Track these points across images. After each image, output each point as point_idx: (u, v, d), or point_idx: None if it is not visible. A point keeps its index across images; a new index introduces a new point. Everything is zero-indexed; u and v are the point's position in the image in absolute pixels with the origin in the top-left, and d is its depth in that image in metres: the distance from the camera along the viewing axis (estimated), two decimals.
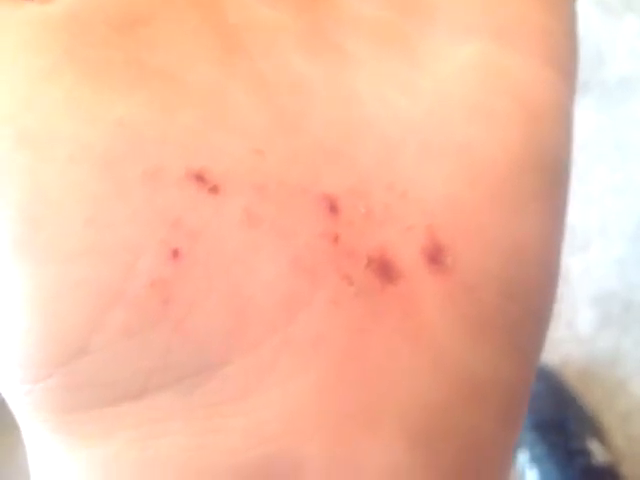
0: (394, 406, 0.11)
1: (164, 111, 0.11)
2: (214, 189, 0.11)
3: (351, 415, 0.11)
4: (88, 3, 0.12)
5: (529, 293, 0.13)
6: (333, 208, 0.12)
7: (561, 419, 0.69)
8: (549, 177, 0.13)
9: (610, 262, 0.77)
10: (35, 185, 0.11)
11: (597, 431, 0.69)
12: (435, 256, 0.12)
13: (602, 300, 0.75)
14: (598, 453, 0.66)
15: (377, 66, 0.13)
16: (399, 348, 0.11)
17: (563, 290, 0.75)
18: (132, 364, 0.11)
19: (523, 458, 0.68)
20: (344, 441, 0.11)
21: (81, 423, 0.11)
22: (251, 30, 0.13)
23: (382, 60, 0.13)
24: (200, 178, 0.11)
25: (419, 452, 0.11)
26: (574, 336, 0.75)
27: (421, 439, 0.11)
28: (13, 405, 0.11)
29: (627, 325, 0.74)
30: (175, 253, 0.11)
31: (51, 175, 0.11)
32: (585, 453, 0.65)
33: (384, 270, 0.12)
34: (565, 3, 0.15)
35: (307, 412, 0.11)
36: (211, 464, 0.11)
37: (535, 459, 0.67)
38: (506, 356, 0.12)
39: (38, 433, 0.11)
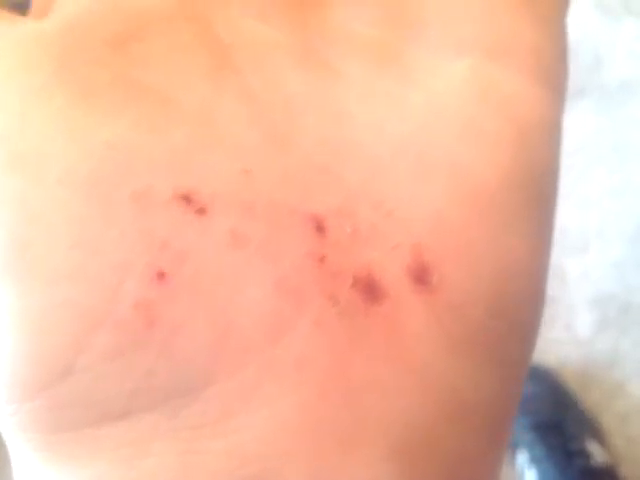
0: (377, 426, 0.11)
1: (153, 132, 0.11)
2: (201, 210, 0.11)
3: (333, 435, 0.11)
4: (82, 19, 0.12)
5: (515, 310, 0.13)
6: (320, 228, 0.12)
7: (560, 420, 0.69)
8: (537, 195, 0.13)
9: (608, 264, 0.77)
10: (23, 207, 0.11)
11: (596, 432, 0.70)
12: (420, 275, 0.12)
13: (600, 302, 0.75)
14: (597, 454, 0.66)
15: (368, 83, 0.13)
16: (382, 368, 0.11)
17: (561, 292, 0.75)
18: (116, 385, 0.11)
19: (522, 459, 0.68)
20: (326, 461, 0.11)
21: (66, 443, 0.11)
22: (242, 47, 0.13)
23: (373, 77, 0.13)
24: (188, 199, 0.11)
25: (402, 472, 0.11)
26: (572, 338, 0.75)
27: (404, 459, 0.11)
28: (0, 424, 0.11)
29: (625, 327, 0.75)
30: (161, 275, 0.11)
31: (39, 197, 0.11)
32: (584, 454, 0.66)
33: (369, 290, 0.12)
34: (556, 20, 0.15)
35: (289, 433, 0.11)
36: None
37: (534, 460, 0.67)
38: (491, 373, 0.12)
39: (24, 452, 0.11)
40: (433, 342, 0.12)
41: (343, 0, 0.14)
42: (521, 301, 0.13)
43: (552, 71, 0.14)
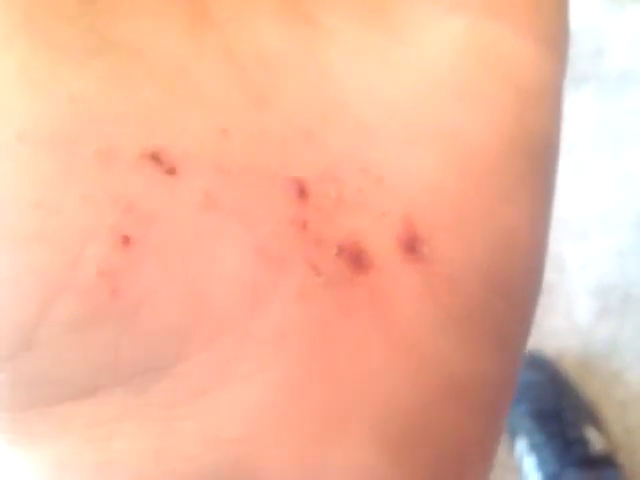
0: (365, 407, 0.10)
1: (121, 86, 0.11)
2: (171, 170, 0.10)
3: (318, 417, 0.10)
4: None
5: (514, 285, 0.12)
6: (302, 193, 0.11)
7: (559, 408, 0.70)
8: (538, 163, 0.12)
9: (608, 253, 0.77)
10: None
11: (594, 420, 0.70)
12: (412, 245, 0.11)
13: (600, 290, 0.75)
14: (595, 441, 0.66)
15: (355, 40, 0.12)
16: (370, 343, 0.11)
17: (561, 281, 0.75)
18: (80, 360, 0.10)
19: (521, 446, 0.69)
20: (307, 446, 0.10)
21: (31, 422, 0.10)
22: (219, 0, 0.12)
23: (361, 34, 0.12)
24: (156, 159, 0.10)
25: (393, 457, 0.11)
26: (572, 326, 0.75)
27: (395, 443, 0.11)
28: None
29: (625, 316, 0.75)
30: (126, 240, 0.10)
31: None
32: (582, 441, 0.66)
33: (355, 259, 0.11)
34: None
35: (269, 414, 0.10)
36: (166, 470, 0.10)
37: (533, 447, 0.68)
38: (490, 353, 0.12)
39: None
40: (425, 317, 0.11)
41: None
42: (519, 275, 0.12)
43: (552, 30, 0.13)
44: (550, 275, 0.75)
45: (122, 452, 0.10)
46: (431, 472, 0.11)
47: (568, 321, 0.75)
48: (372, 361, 0.11)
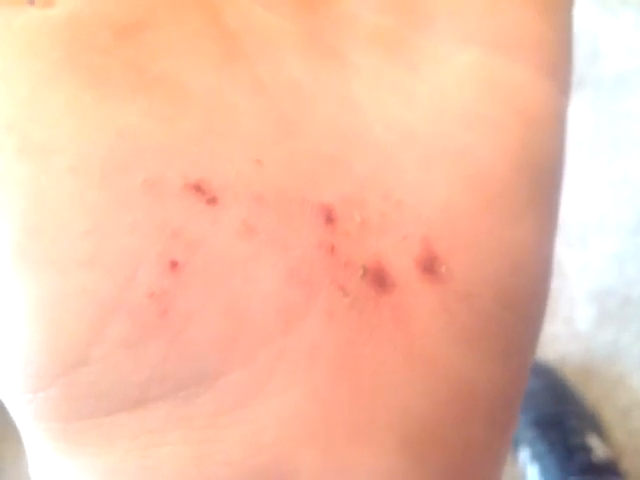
0: (387, 416, 0.11)
1: (164, 120, 0.11)
2: (212, 200, 0.11)
3: (345, 423, 0.11)
4: (89, 8, 0.12)
5: (523, 300, 0.13)
6: (329, 218, 0.12)
7: (560, 415, 0.69)
8: (544, 184, 0.13)
9: (607, 257, 0.77)
10: (35, 195, 0.11)
11: (597, 427, 0.70)
12: (429, 266, 0.12)
13: (600, 295, 0.75)
14: (598, 449, 0.66)
15: (375, 72, 0.13)
16: (392, 358, 0.12)
17: (561, 286, 0.75)
18: (130, 375, 0.11)
19: (524, 455, 0.69)
20: (337, 449, 0.11)
21: (82, 432, 0.11)
22: (251, 35, 0.13)
23: (380, 66, 0.14)
24: (199, 189, 0.11)
25: (412, 459, 0.11)
26: (572, 332, 0.75)
27: (414, 447, 0.11)
28: (15, 414, 0.11)
29: (625, 320, 0.75)
30: (173, 264, 0.11)
31: (51, 185, 0.11)
32: (585, 449, 0.66)
33: (379, 280, 0.12)
34: (561, 11, 0.15)
35: (302, 421, 0.11)
36: (209, 474, 0.11)
37: (536, 456, 0.67)
38: (500, 363, 0.12)
39: (39, 441, 0.11)
40: (441, 332, 0.12)
41: None
42: (529, 291, 0.13)
43: (556, 62, 0.14)
44: None
45: (166, 458, 0.11)
46: (446, 470, 0.12)
47: (568, 327, 0.75)
48: (393, 373, 0.12)
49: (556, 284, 0.75)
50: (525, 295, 0.13)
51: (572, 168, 0.79)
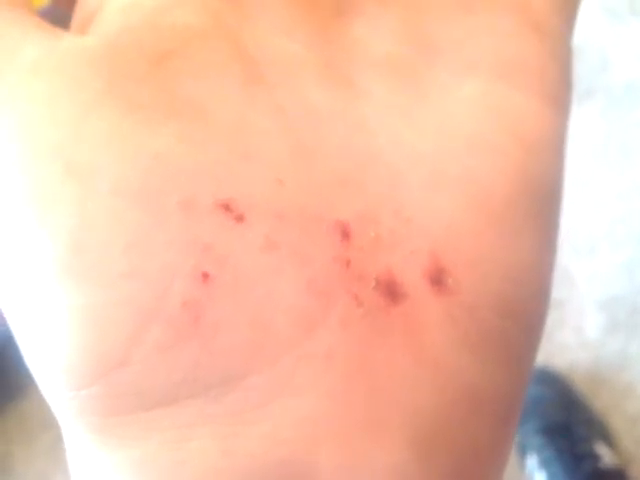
0: (398, 416, 0.12)
1: (194, 143, 0.12)
2: (239, 218, 0.12)
3: (359, 423, 0.12)
4: (123, 36, 0.13)
5: (524, 311, 0.14)
6: (345, 234, 0.13)
7: (569, 423, 0.69)
8: (543, 204, 0.14)
9: (616, 266, 0.77)
10: (81, 215, 0.12)
11: (605, 435, 0.70)
12: (437, 278, 0.13)
13: (609, 304, 0.75)
14: (606, 456, 0.66)
15: (386, 99, 0.14)
16: (403, 363, 0.12)
17: (570, 295, 0.76)
18: (166, 375, 0.12)
19: (532, 462, 0.68)
20: (352, 447, 0.12)
21: (119, 426, 0.12)
22: (271, 63, 0.14)
23: (392, 94, 0.14)
24: (227, 207, 0.12)
25: (422, 458, 0.12)
26: (581, 341, 0.75)
27: (424, 446, 0.12)
28: (56, 409, 0.12)
29: (634, 329, 0.75)
30: (205, 276, 0.12)
31: (95, 206, 0.12)
32: (593, 456, 0.66)
33: (390, 291, 0.13)
34: (561, 40, 0.16)
35: (319, 420, 0.12)
36: (234, 466, 0.12)
37: (543, 463, 0.67)
38: (502, 370, 0.13)
39: (79, 434, 0.12)
40: (448, 339, 0.13)
41: (363, 17, 0.15)
42: (529, 302, 0.14)
43: (556, 89, 0.15)
44: (558, 290, 0.75)
45: (196, 451, 0.12)
46: (453, 468, 0.13)
47: (577, 335, 0.75)
48: (404, 376, 0.12)
49: (565, 293, 0.75)
50: (525, 306, 0.14)
51: (582, 177, 0.79)
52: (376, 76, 0.15)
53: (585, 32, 0.84)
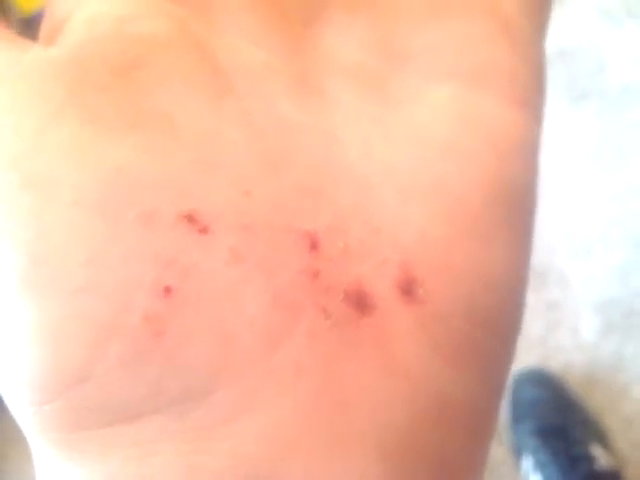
0: (367, 429, 0.12)
1: (156, 155, 0.12)
2: (204, 229, 0.12)
3: (326, 437, 0.12)
4: (88, 47, 0.13)
5: (497, 320, 0.13)
6: (314, 245, 0.12)
7: (564, 425, 0.69)
8: (516, 211, 0.14)
9: (612, 268, 0.77)
10: (39, 226, 0.11)
11: (600, 436, 0.70)
12: (408, 288, 0.13)
13: (604, 306, 0.76)
14: (601, 458, 0.66)
15: (356, 108, 0.14)
16: (372, 374, 0.12)
17: (565, 297, 0.76)
18: (128, 390, 0.11)
19: (527, 464, 0.69)
20: (319, 462, 0.12)
21: (83, 442, 0.12)
22: (240, 72, 0.14)
23: (362, 103, 0.14)
24: (191, 219, 0.12)
25: (391, 470, 0.12)
26: (577, 342, 0.75)
27: (394, 459, 0.12)
28: (21, 423, 0.12)
29: (630, 331, 0.75)
30: (167, 290, 0.12)
31: (54, 217, 0.11)
32: (588, 458, 0.66)
33: (359, 302, 0.12)
34: (532, 45, 0.16)
35: (286, 435, 0.12)
36: None
37: (538, 465, 0.67)
38: (475, 379, 0.13)
39: (44, 449, 0.12)
40: (419, 350, 0.12)
41: (332, 26, 0.15)
42: (501, 311, 0.14)
43: (528, 94, 0.15)
44: (554, 292, 0.75)
45: (160, 467, 0.11)
46: None
47: (573, 337, 0.75)
48: (374, 389, 0.12)
49: (561, 295, 0.75)
50: (498, 314, 0.13)
51: (577, 179, 0.79)
52: (346, 85, 0.14)
53: (581, 34, 0.84)
